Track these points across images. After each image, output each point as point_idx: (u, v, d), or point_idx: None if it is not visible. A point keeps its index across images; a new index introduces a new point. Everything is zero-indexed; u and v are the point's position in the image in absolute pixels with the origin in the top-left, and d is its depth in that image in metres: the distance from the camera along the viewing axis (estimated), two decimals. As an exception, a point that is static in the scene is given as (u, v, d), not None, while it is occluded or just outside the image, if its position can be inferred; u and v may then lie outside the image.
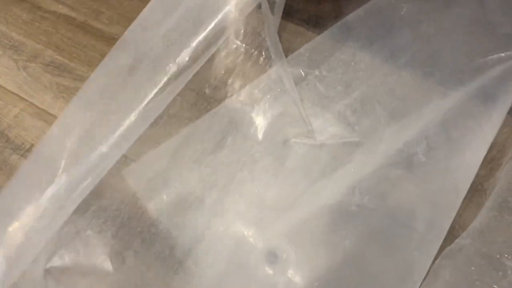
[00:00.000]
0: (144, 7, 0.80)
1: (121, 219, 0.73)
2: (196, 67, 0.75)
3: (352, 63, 0.85)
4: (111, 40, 0.87)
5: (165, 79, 0.68)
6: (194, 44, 0.69)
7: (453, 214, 0.67)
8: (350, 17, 0.89)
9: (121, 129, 0.71)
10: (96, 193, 0.72)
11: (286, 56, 0.85)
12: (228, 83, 0.81)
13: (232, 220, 0.71)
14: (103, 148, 0.68)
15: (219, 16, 0.73)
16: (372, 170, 0.70)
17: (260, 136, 0.78)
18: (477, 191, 0.70)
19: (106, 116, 0.71)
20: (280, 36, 0.88)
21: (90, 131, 0.70)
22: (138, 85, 0.67)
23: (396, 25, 0.88)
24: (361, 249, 0.67)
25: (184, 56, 0.69)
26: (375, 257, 0.67)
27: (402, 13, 0.89)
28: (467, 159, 0.68)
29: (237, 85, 0.81)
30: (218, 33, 0.75)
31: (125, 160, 0.73)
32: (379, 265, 0.66)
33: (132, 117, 0.71)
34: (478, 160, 0.69)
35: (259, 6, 0.79)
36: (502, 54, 0.76)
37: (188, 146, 0.75)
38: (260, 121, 0.79)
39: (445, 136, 0.70)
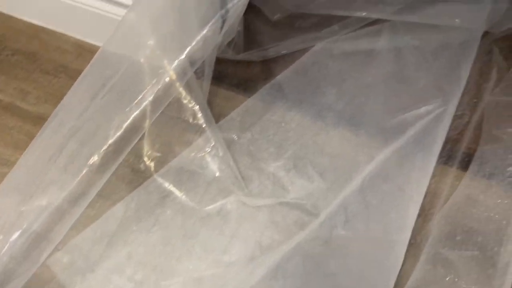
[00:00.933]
0: (73, 84, 0.79)
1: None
2: (129, 145, 0.74)
3: (283, 124, 0.87)
4: (38, 120, 0.85)
5: (95, 159, 0.66)
6: (124, 122, 0.69)
7: (391, 281, 0.67)
8: (279, 78, 0.92)
9: (49, 214, 0.68)
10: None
11: (218, 121, 0.86)
12: (162, 155, 0.80)
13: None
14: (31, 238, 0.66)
15: (147, 96, 0.74)
16: (294, 246, 0.69)
17: (196, 206, 0.77)
18: (411, 245, 0.71)
19: (35, 202, 0.68)
20: (211, 102, 0.89)
21: (17, 218, 0.67)
22: (62, 172, 0.65)
23: (322, 84, 0.91)
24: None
25: (115, 134, 0.68)
26: None
27: (326, 71, 0.92)
28: (393, 222, 0.70)
29: (171, 155, 0.81)
30: (147, 111, 0.75)
31: (49, 246, 0.69)
32: None
33: (61, 201, 0.68)
34: (407, 221, 0.70)
35: (187, 77, 0.80)
36: (421, 109, 0.80)
37: (121, 226, 0.73)
38: (195, 190, 0.78)
39: (364, 204, 0.72)
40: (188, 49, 0.76)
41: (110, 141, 0.63)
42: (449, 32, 0.91)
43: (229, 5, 0.70)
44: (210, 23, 0.73)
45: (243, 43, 0.93)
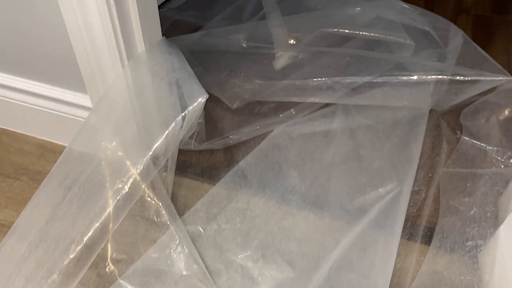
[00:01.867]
0: (36, 186, 0.78)
1: None
2: (92, 255, 0.73)
3: (248, 211, 0.87)
4: (-1, 227, 0.83)
5: (54, 277, 0.65)
6: (85, 234, 0.68)
7: None
8: (241, 164, 0.94)
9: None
10: None
11: (184, 213, 0.86)
12: (128, 256, 0.79)
13: None
14: None
15: (113, 196, 0.74)
16: None
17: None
18: (382, 331, 0.71)
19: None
20: (176, 194, 0.90)
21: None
22: (25, 285, 0.63)
23: (284, 167, 0.93)
24: None
25: (75, 248, 0.67)
26: None
27: (287, 154, 0.95)
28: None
29: (136, 256, 0.79)
30: (113, 211, 0.75)
31: None
32: None
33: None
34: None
35: (151, 177, 0.81)
36: (379, 190, 0.83)
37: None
38: (163, 289, 0.76)
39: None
40: (151, 150, 0.78)
41: (71, 256, 0.62)
42: (398, 110, 0.96)
43: (188, 108, 0.73)
44: (171, 126, 0.75)
45: (205, 132, 0.95)
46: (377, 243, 0.76)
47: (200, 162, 0.96)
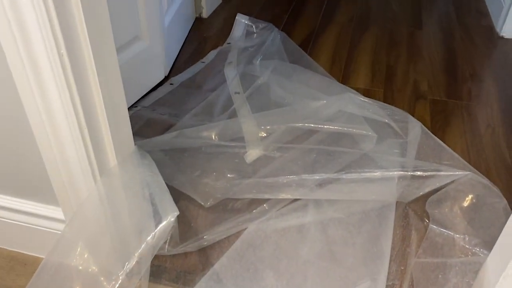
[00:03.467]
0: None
1: None
2: None
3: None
4: None
5: None
6: None
7: None
8: (216, 267, 0.93)
9: None
10: None
11: (159, 325, 0.84)
12: None
13: None
14: None
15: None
16: None
17: None
18: None
19: None
20: (150, 308, 0.88)
21: None
22: None
23: (259, 267, 0.94)
24: None
25: None
26: None
27: (262, 253, 0.96)
28: None
29: None
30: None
31: None
32: None
33: None
34: None
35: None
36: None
37: None
38: None
39: None
40: (125, 267, 0.78)
41: None
42: (367, 203, 1.00)
43: (161, 224, 0.74)
44: (146, 241, 0.76)
45: (179, 232, 0.95)
46: None
47: (174, 266, 0.96)
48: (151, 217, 0.75)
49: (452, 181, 0.97)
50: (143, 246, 0.73)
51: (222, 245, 0.99)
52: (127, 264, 0.74)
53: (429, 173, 0.94)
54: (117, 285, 0.73)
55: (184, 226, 1.01)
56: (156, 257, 0.93)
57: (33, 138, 0.76)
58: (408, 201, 1.02)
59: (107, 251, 0.79)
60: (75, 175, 0.80)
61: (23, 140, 0.78)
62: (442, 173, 0.93)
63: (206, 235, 0.98)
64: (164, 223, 0.73)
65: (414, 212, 1.02)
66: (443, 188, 0.99)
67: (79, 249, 0.78)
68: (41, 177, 0.83)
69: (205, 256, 0.97)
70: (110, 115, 0.74)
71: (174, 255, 0.97)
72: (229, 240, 0.99)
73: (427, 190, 0.95)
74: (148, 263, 0.87)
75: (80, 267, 0.77)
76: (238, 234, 1.00)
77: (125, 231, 0.80)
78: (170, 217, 0.73)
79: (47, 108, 0.70)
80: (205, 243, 0.98)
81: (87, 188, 0.81)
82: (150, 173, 0.78)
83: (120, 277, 0.75)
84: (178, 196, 1.05)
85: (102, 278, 0.74)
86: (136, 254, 0.74)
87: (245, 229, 1.00)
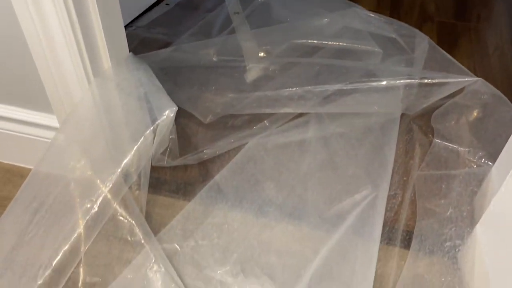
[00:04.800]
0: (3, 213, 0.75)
1: None
2: (61, 282, 0.69)
3: (226, 225, 0.86)
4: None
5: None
6: (54, 258, 0.65)
7: None
8: (217, 179, 0.92)
9: None
10: None
11: (159, 232, 0.84)
12: (102, 279, 0.76)
13: None
14: None
15: (83, 217, 0.71)
16: None
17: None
18: (366, 339, 0.70)
19: None
20: (150, 212, 0.87)
21: None
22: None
23: (260, 179, 0.92)
24: None
25: (44, 273, 0.64)
26: None
27: (263, 166, 0.94)
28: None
29: (111, 278, 0.76)
30: (84, 232, 0.72)
31: None
32: None
33: None
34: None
35: (122, 194, 0.79)
36: (355, 197, 0.83)
37: None
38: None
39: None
40: (121, 167, 0.76)
41: (39, 282, 0.59)
42: (370, 116, 0.97)
43: (158, 122, 0.72)
44: (141, 140, 0.74)
45: (178, 147, 0.93)
46: (356, 249, 0.76)
47: (174, 178, 0.94)
48: (147, 117, 0.72)
49: (460, 92, 0.93)
50: (141, 140, 0.71)
51: (222, 159, 0.97)
52: (123, 165, 0.72)
53: (437, 81, 0.90)
54: (112, 187, 0.71)
55: (184, 142, 0.99)
56: (155, 169, 0.92)
57: (25, 42, 0.72)
58: (413, 114, 0.99)
59: (101, 154, 0.76)
60: (68, 79, 0.77)
61: (15, 45, 0.74)
62: (450, 80, 0.90)
63: (206, 149, 0.96)
64: (163, 117, 0.70)
65: (419, 127, 1.00)
66: (450, 100, 0.96)
67: (72, 154, 0.76)
68: (35, 83, 0.79)
69: (205, 169, 0.96)
70: (104, 17, 0.71)
71: (174, 168, 0.95)
72: (229, 154, 0.97)
73: (434, 99, 0.92)
74: (147, 171, 0.85)
75: (74, 172, 0.75)
76: (238, 149, 0.98)
77: (121, 132, 0.78)
78: (169, 112, 0.70)
79: (39, 10, 0.67)
80: (205, 157, 0.96)
81: (81, 92, 0.77)
82: (145, 74, 0.74)
83: (116, 179, 0.72)
84: (177, 113, 1.02)
85: (97, 181, 0.72)
86: (133, 151, 0.71)
87: (246, 144, 0.98)
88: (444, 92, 0.92)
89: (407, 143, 0.97)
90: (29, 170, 0.94)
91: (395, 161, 0.92)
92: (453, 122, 0.94)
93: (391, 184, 0.88)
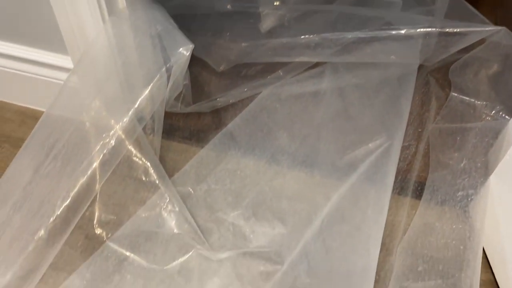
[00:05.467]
0: (16, 154, 0.76)
1: None
2: (79, 212, 0.71)
3: (238, 172, 0.86)
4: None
5: (41, 233, 0.63)
6: (71, 190, 0.66)
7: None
8: (230, 126, 0.92)
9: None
10: None
11: (173, 175, 0.85)
12: (117, 217, 0.78)
13: None
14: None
15: (94, 160, 0.72)
16: None
17: (156, 267, 0.74)
18: (376, 282, 0.71)
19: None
20: (164, 157, 0.88)
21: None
22: (6, 252, 0.61)
23: (273, 128, 0.92)
24: None
25: (62, 204, 0.65)
26: None
27: (276, 116, 0.94)
28: (356, 263, 0.70)
29: (125, 217, 0.78)
30: (99, 169, 0.73)
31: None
32: None
33: (10, 278, 0.64)
34: (369, 259, 0.70)
35: (136, 135, 0.79)
36: (369, 145, 0.83)
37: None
38: (154, 250, 0.75)
39: (324, 249, 0.71)
40: (134, 107, 0.76)
41: (57, 212, 0.60)
42: (387, 68, 0.95)
43: (172, 61, 0.71)
44: (155, 80, 0.73)
45: (192, 95, 0.93)
46: (368, 196, 0.76)
47: (187, 125, 0.94)
48: (161, 56, 0.71)
49: (480, 44, 0.91)
50: (155, 80, 0.70)
51: (235, 107, 0.97)
52: (138, 102, 0.72)
53: (458, 30, 0.88)
54: (127, 126, 0.72)
55: (197, 90, 0.98)
56: (169, 116, 0.92)
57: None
58: (431, 67, 0.97)
59: (115, 94, 0.76)
60: (83, 18, 0.76)
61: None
62: (472, 29, 0.87)
63: (219, 97, 0.96)
64: (179, 56, 0.69)
65: (436, 80, 0.98)
66: (470, 52, 0.93)
67: (86, 94, 0.76)
68: (49, 22, 0.78)
69: (218, 117, 0.96)
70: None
71: (187, 116, 0.95)
72: (242, 103, 0.97)
73: (455, 49, 0.90)
74: (161, 116, 0.85)
75: (88, 112, 0.75)
76: (251, 98, 0.97)
77: (135, 72, 0.77)
78: (185, 50, 0.69)
79: None
80: (219, 105, 0.95)
81: (96, 31, 0.76)
82: (160, 14, 0.73)
83: (130, 117, 0.72)
84: (190, 62, 1.01)
85: (112, 120, 0.72)
86: (147, 92, 0.71)
87: (259, 93, 0.98)
88: (465, 42, 0.89)
89: (423, 96, 0.96)
90: (43, 113, 0.95)
91: (410, 113, 0.91)
92: (471, 75, 0.93)
93: (405, 136, 0.88)
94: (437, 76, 0.99)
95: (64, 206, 0.62)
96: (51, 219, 0.61)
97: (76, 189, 0.62)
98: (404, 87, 0.92)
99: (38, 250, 0.62)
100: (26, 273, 0.66)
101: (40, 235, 0.60)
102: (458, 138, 0.86)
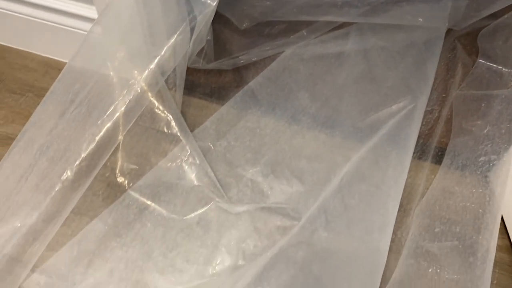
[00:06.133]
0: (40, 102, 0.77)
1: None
2: (100, 163, 0.72)
3: (258, 130, 0.87)
4: (6, 141, 0.83)
5: (68, 174, 0.64)
6: (96, 134, 0.67)
7: (377, 279, 0.66)
8: (251, 84, 0.92)
9: (23, 235, 0.66)
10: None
11: (193, 131, 0.85)
12: (139, 167, 0.79)
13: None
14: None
15: (118, 107, 0.72)
16: (277, 253, 0.69)
17: (176, 217, 0.75)
18: (392, 241, 0.72)
19: (7, 223, 0.66)
20: (185, 112, 0.88)
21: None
22: (34, 191, 0.63)
23: (294, 88, 0.92)
24: None
25: (87, 147, 0.66)
26: None
27: (298, 76, 0.93)
28: (374, 220, 0.70)
29: (147, 167, 0.79)
30: (120, 122, 0.74)
31: (24, 269, 0.66)
32: None
33: (35, 221, 0.66)
34: (388, 218, 0.71)
35: (158, 87, 0.79)
36: (392, 108, 0.82)
37: (100, 244, 0.71)
38: (174, 201, 0.76)
39: (343, 206, 0.72)
40: (157, 58, 0.75)
41: (83, 155, 0.61)
42: (413, 31, 0.93)
43: (196, 13, 0.70)
44: (178, 32, 0.73)
45: (214, 52, 0.92)
46: (389, 157, 0.76)
47: (209, 82, 0.94)
48: (185, 8, 0.70)
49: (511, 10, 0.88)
50: (179, 31, 0.70)
51: (257, 66, 0.96)
52: (163, 52, 0.72)
53: (492, -8, 0.85)
54: (149, 78, 0.72)
55: (219, 47, 0.97)
56: (190, 72, 0.91)
57: None
58: (459, 33, 0.95)
59: (139, 46, 0.76)
60: (109, -35, 0.75)
61: None
62: (507, -9, 0.84)
63: (241, 55, 0.95)
64: (203, 5, 0.68)
65: (463, 46, 0.96)
66: (500, 18, 0.91)
67: (109, 45, 0.76)
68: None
69: (240, 75, 0.95)
70: None
71: (208, 73, 0.95)
72: (264, 62, 0.96)
73: (486, 13, 0.87)
74: (183, 72, 0.85)
75: (112, 63, 0.75)
76: (274, 57, 0.96)
77: (159, 24, 0.76)
78: (210, 1, 0.68)
79: None
80: (241, 62, 0.95)
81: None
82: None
83: (152, 70, 0.72)
84: (212, 18, 1.00)
85: (135, 72, 0.72)
86: (170, 44, 0.70)
87: (282, 53, 0.96)
88: (497, 6, 0.86)
89: (449, 61, 0.94)
90: (66, 64, 0.96)
91: (435, 78, 0.90)
92: (500, 42, 0.90)
93: (428, 101, 0.86)
94: (465, 42, 0.96)
95: (90, 150, 0.63)
96: (77, 162, 0.62)
97: (101, 134, 0.63)
98: (431, 52, 0.90)
99: (64, 191, 0.63)
100: (51, 216, 0.67)
101: (67, 176, 0.61)
102: (483, 105, 0.85)
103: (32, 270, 0.67)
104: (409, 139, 0.77)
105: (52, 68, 0.95)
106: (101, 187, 0.76)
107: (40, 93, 0.91)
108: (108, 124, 0.63)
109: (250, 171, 0.81)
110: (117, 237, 0.71)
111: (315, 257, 0.68)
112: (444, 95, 0.88)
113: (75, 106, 0.64)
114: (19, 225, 0.66)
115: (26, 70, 0.94)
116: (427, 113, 0.86)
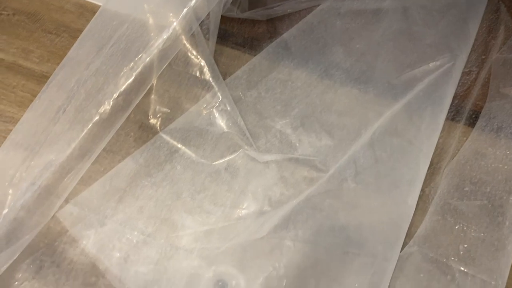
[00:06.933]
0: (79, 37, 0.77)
1: (60, 263, 0.68)
2: (135, 99, 0.73)
3: (289, 82, 0.86)
4: (42, 79, 0.84)
5: (106, 107, 0.65)
6: (134, 70, 0.68)
7: (402, 233, 0.67)
8: (285, 36, 0.91)
9: (58, 168, 0.68)
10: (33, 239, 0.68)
11: (224, 80, 0.85)
12: (170, 111, 0.80)
13: (182, 257, 0.68)
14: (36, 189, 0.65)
15: (154, 47, 0.73)
16: (304, 200, 0.69)
17: (205, 161, 0.76)
18: (420, 198, 0.72)
19: (43, 156, 0.68)
20: (217, 61, 0.88)
21: (25, 172, 0.67)
22: (71, 123, 0.65)
23: (329, 42, 0.90)
24: (305, 282, 0.66)
25: (125, 82, 0.67)
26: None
27: (333, 30, 0.91)
28: (403, 174, 0.70)
29: (178, 111, 0.80)
30: (154, 62, 0.74)
31: (58, 199, 0.69)
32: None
33: (70, 154, 0.68)
34: (417, 173, 0.70)
35: (193, 33, 0.79)
36: (430, 65, 0.80)
37: (131, 181, 0.72)
38: (204, 146, 0.77)
39: (373, 158, 0.71)
40: (193, 2, 0.75)
41: (121, 89, 0.62)
42: (456, -10, 0.90)
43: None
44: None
45: (248, 1, 0.91)
46: (423, 113, 0.75)
47: (242, 32, 0.93)
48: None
49: None
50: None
51: (292, 18, 0.94)
52: (194, 2, 0.71)
53: None
54: (183, 21, 0.71)
55: (253, -2, 0.95)
56: (223, 21, 0.90)
57: None
58: (506, -8, 0.91)
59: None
60: None
61: None
62: None
63: (276, 6, 0.93)
64: None
65: (508, 8, 0.92)
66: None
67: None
68: None
69: (273, 27, 0.94)
70: None
71: (241, 23, 0.94)
72: (299, 14, 0.94)
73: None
74: (218, 20, 0.84)
75: (148, 3, 0.75)
76: (309, 10, 0.94)
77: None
78: None
79: None
80: (275, 13, 0.93)
81: None
82: None
83: (186, 14, 0.71)
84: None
85: (170, 14, 0.71)
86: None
87: (317, 6, 0.94)
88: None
89: (491, 23, 0.90)
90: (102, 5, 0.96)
91: (475, 39, 0.87)
92: (549, 4, 0.86)
93: (467, 62, 0.84)
94: (509, 4, 0.92)
95: (127, 84, 0.63)
96: (115, 95, 0.63)
97: (139, 69, 0.64)
98: (473, 12, 0.87)
99: (100, 125, 0.64)
100: (85, 150, 0.69)
101: (104, 109, 0.62)
102: (524, 69, 0.82)
103: (66, 201, 0.70)
104: (445, 97, 0.76)
105: (87, 10, 0.95)
106: (133, 128, 0.77)
107: (75, 34, 0.91)
108: (147, 60, 0.64)
109: (280, 122, 0.81)
110: (147, 176, 0.73)
111: (342, 206, 0.68)
112: (483, 57, 0.86)
113: (113, 42, 0.64)
114: (53, 158, 0.67)
115: (62, 11, 0.95)
116: (464, 74, 0.83)
